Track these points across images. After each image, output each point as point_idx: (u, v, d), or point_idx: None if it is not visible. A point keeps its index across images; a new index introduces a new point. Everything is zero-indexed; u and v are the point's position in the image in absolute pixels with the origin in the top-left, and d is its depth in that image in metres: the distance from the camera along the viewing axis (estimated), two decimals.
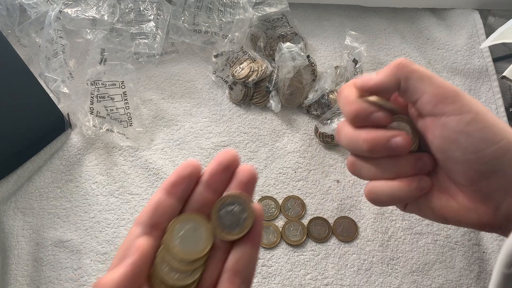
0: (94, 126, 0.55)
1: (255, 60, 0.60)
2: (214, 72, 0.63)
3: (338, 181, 0.55)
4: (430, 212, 0.29)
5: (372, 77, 0.28)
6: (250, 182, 0.25)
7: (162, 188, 0.25)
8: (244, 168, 0.25)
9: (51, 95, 0.54)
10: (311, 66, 0.60)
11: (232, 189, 0.25)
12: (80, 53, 0.60)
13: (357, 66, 0.59)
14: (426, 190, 0.28)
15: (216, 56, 0.62)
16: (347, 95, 0.28)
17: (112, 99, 0.56)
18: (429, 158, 0.28)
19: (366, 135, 0.27)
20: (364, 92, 0.28)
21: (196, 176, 0.25)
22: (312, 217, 0.52)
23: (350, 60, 0.59)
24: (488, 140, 0.25)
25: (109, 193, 0.53)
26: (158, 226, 0.24)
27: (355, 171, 0.30)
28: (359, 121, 0.28)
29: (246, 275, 0.24)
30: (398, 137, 0.27)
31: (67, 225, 0.51)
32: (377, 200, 0.29)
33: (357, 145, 0.28)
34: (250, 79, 0.58)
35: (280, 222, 0.52)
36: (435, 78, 0.26)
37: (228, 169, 0.25)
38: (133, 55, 0.61)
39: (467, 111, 0.25)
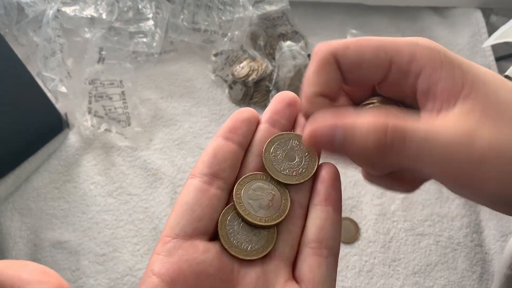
0: (92, 126, 0.55)
1: (255, 59, 0.60)
2: (213, 71, 0.62)
3: None
4: None
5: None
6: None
7: (219, 135, 0.22)
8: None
9: (49, 94, 0.53)
10: None
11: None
12: (78, 52, 0.59)
13: None
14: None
15: (215, 55, 0.62)
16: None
17: (111, 98, 0.55)
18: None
19: None
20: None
21: (255, 120, 0.23)
22: None
23: None
24: None
25: (107, 193, 0.52)
26: (219, 174, 0.21)
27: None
28: None
29: (332, 244, 0.21)
30: None
31: (65, 226, 0.50)
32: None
33: None
34: (250, 78, 0.58)
35: None
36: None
37: (291, 105, 0.23)
38: (132, 54, 0.61)
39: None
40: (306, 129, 0.20)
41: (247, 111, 0.22)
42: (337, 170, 0.22)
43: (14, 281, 0.18)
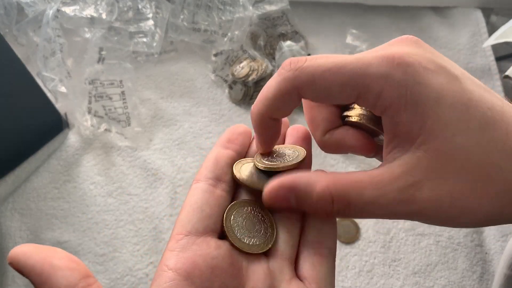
0: (92, 126, 0.55)
1: (255, 59, 0.60)
2: (213, 71, 0.62)
3: None
4: None
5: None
6: (307, 137, 0.24)
7: (218, 145, 0.24)
8: (297, 127, 0.25)
9: (48, 94, 0.53)
10: None
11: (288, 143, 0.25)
12: (78, 52, 0.59)
13: None
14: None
15: (215, 55, 0.62)
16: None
17: (110, 98, 0.55)
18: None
19: None
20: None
21: (249, 134, 0.25)
22: None
23: None
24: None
25: (107, 193, 0.52)
26: (222, 178, 0.22)
27: None
28: None
29: (331, 244, 0.22)
30: None
31: (65, 226, 0.50)
32: None
33: None
34: (250, 78, 0.58)
35: None
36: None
37: (284, 124, 0.25)
38: (132, 54, 0.61)
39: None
40: (265, 191, 0.21)
41: (242, 127, 0.25)
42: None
43: (44, 266, 0.18)
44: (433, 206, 0.19)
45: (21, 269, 0.18)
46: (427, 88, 0.19)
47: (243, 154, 0.24)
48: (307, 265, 0.21)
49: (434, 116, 0.19)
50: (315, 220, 0.22)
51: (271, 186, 0.21)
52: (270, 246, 0.22)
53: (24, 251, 0.18)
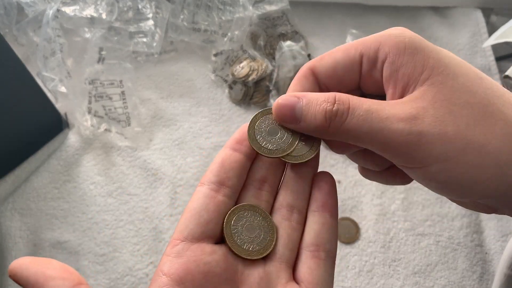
0: (92, 126, 0.55)
1: (255, 59, 0.60)
2: (213, 71, 0.62)
3: (339, 182, 0.54)
4: None
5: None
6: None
7: (227, 146, 0.23)
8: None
9: (48, 94, 0.53)
10: None
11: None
12: (78, 52, 0.59)
13: None
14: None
15: (215, 55, 0.62)
16: None
17: (110, 98, 0.55)
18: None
19: None
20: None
21: None
22: None
23: None
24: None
25: (107, 193, 0.52)
26: (226, 182, 0.22)
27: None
28: None
29: (330, 247, 0.22)
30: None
31: (65, 226, 0.50)
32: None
33: None
34: (250, 78, 0.58)
35: None
36: None
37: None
38: (132, 54, 0.61)
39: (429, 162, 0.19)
40: (277, 101, 0.22)
41: None
42: (333, 179, 0.24)
43: (38, 276, 0.19)
44: (437, 131, 0.18)
45: (19, 281, 0.19)
46: (425, 42, 0.21)
47: (252, 156, 0.23)
48: (305, 268, 0.21)
49: (435, 57, 0.20)
50: (315, 223, 0.22)
51: (282, 97, 0.22)
52: (269, 251, 0.22)
53: (21, 264, 0.19)
